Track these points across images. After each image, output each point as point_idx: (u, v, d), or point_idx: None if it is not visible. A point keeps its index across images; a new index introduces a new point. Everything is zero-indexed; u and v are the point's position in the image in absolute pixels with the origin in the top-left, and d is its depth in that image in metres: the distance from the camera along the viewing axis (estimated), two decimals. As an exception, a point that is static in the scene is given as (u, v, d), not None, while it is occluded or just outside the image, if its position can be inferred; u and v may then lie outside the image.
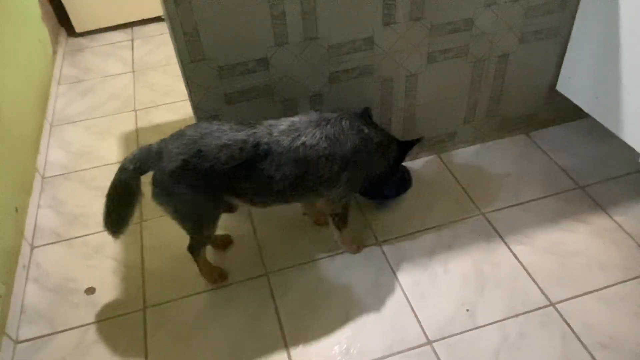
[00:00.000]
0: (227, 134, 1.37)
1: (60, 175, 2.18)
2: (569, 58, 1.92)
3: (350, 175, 1.48)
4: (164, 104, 2.55)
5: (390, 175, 1.66)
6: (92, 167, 2.20)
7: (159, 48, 3.00)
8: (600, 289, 1.59)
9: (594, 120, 1.87)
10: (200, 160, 1.35)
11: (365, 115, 1.59)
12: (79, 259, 1.82)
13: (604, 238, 1.74)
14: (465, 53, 1.82)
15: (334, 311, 1.59)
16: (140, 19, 3.21)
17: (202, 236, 1.57)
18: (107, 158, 2.25)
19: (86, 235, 1.90)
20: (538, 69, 1.97)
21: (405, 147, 1.63)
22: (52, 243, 1.89)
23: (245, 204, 1.51)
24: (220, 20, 1.49)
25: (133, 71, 2.83)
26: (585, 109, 1.90)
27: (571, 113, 2.10)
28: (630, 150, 1.72)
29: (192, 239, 1.57)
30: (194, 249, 1.60)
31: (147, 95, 2.63)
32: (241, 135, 1.37)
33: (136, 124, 2.44)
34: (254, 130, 1.39)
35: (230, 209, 1.60)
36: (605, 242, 1.72)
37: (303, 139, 1.40)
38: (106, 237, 1.85)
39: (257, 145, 1.37)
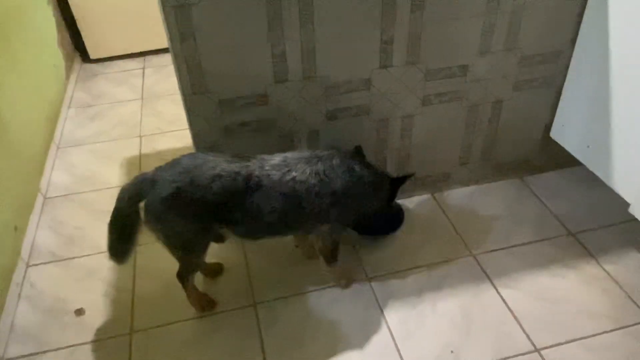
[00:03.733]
0: (221, 165, 1.42)
1: (62, 196, 2.23)
2: (562, 107, 1.97)
3: (339, 212, 1.51)
4: (168, 132, 2.62)
5: (382, 212, 1.69)
6: (94, 190, 2.25)
7: (168, 78, 3.10)
8: (587, 337, 1.59)
9: (586, 167, 1.90)
10: (192, 189, 1.39)
11: (357, 154, 1.64)
12: (72, 280, 1.85)
13: (593, 286, 1.74)
14: (460, 97, 1.87)
15: (319, 346, 1.60)
16: (153, 49, 3.32)
17: (190, 264, 1.59)
18: (109, 182, 2.30)
19: (81, 256, 1.94)
20: (532, 116, 2.01)
21: (397, 184, 1.66)
22: (47, 262, 1.92)
23: (235, 236, 1.54)
24: (222, 57, 1.56)
25: (142, 98, 2.92)
26: (578, 157, 1.93)
27: (565, 160, 2.13)
28: (622, 199, 1.74)
29: (181, 266, 1.60)
30: (183, 276, 1.62)
31: (153, 123, 2.70)
32: (234, 167, 1.42)
33: (140, 149, 2.50)
34: (247, 164, 1.44)
35: (220, 239, 1.63)
36: (594, 290, 1.73)
37: (293, 174, 1.44)
38: (101, 259, 1.91)
39: (248, 177, 1.42)
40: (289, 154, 1.50)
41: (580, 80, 1.84)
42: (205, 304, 1.69)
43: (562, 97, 1.95)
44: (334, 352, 1.58)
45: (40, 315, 1.73)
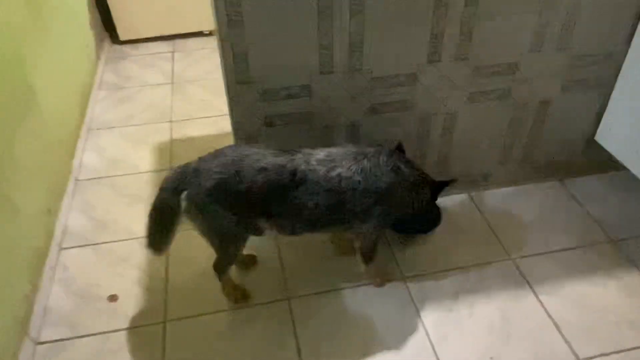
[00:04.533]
0: (266, 157, 1.38)
1: (93, 179, 2.22)
2: (610, 110, 1.90)
3: (382, 211, 1.47)
4: (199, 118, 2.59)
5: (421, 213, 1.65)
6: (124, 174, 2.24)
7: (198, 63, 3.06)
8: (628, 350, 1.54)
9: (631, 173, 1.84)
10: (237, 181, 1.36)
11: (399, 150, 1.60)
12: (104, 265, 1.84)
13: (635, 297, 1.69)
14: (506, 96, 1.81)
15: (354, 345, 1.57)
16: (182, 32, 3.29)
17: (229, 256, 1.57)
18: (139, 166, 2.28)
19: (114, 242, 1.92)
20: (577, 117, 1.95)
21: (438, 188, 1.62)
22: (79, 246, 1.91)
23: (275, 230, 1.51)
24: (270, 46, 1.52)
25: (172, 83, 2.89)
26: (625, 162, 1.87)
27: (607, 164, 2.07)
28: (669, 209, 1.68)
29: (218, 257, 1.58)
30: (220, 267, 1.60)
31: (183, 108, 2.67)
32: (279, 160, 1.39)
33: (171, 135, 2.48)
34: (292, 157, 1.40)
35: (259, 231, 1.60)
36: (636, 301, 1.68)
37: (339, 170, 1.41)
38: (133, 245, 1.90)
39: (294, 171, 1.38)
40: (333, 149, 1.47)
41: (634, 83, 1.78)
42: (239, 296, 1.68)
43: (611, 100, 1.89)
44: (370, 351, 1.55)
45: (74, 300, 1.72)
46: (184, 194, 1.40)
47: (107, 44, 3.22)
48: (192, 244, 1.83)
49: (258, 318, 1.65)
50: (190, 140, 2.45)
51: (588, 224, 1.96)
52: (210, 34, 3.33)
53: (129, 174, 2.24)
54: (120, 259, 1.86)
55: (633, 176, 1.83)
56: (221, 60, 1.54)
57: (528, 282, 1.75)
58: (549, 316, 1.64)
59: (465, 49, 1.66)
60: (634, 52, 1.76)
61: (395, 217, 1.54)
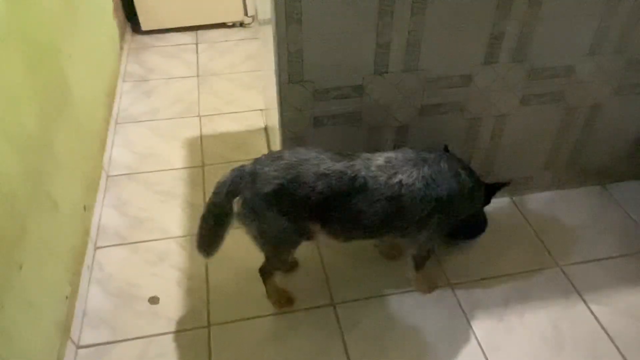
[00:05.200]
0: (325, 162, 1.33)
1: (124, 175, 2.17)
2: (662, 115, 1.85)
3: (441, 219, 1.43)
4: (228, 113, 2.53)
5: (473, 218, 1.61)
6: (157, 170, 2.18)
7: (224, 55, 3.00)
8: (687, 364, 1.51)
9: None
10: (297, 186, 1.31)
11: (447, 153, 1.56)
12: (142, 265, 1.79)
13: (689, 308, 1.66)
14: (559, 99, 1.76)
15: (405, 353, 1.54)
16: (205, 23, 3.22)
17: (279, 261, 1.53)
18: (172, 162, 2.23)
19: (150, 240, 1.88)
20: (627, 122, 1.90)
21: (492, 191, 1.58)
22: (115, 245, 1.86)
23: (329, 236, 1.46)
24: (326, 45, 1.46)
25: (197, 76, 2.82)
26: (676, 169, 1.83)
27: (652, 170, 2.04)
28: None
29: (268, 261, 1.53)
30: (267, 271, 1.56)
31: (211, 102, 2.61)
32: (339, 166, 1.34)
33: (200, 130, 2.42)
34: (352, 163, 1.35)
35: (310, 236, 1.56)
36: (690, 312, 1.65)
37: (400, 177, 1.36)
38: (170, 244, 1.86)
39: (354, 178, 1.33)
40: (392, 154, 1.42)
41: (691, 88, 1.73)
42: (284, 301, 1.64)
43: (663, 105, 1.84)
44: (422, 361, 1.52)
45: (113, 301, 1.68)
46: (238, 198, 1.35)
47: (128, 34, 3.14)
48: (230, 244, 1.79)
49: (303, 323, 1.61)
50: (221, 136, 2.39)
51: (632, 231, 1.92)
52: (233, 25, 3.26)
53: (161, 170, 2.19)
54: (158, 259, 1.81)
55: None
56: (275, 59, 1.48)
57: (577, 291, 1.71)
58: (602, 326, 1.61)
59: (523, 51, 1.61)
60: (692, 56, 1.71)
61: (453, 224, 1.50)
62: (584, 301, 1.68)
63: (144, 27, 3.13)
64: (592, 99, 1.79)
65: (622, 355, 1.53)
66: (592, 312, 1.65)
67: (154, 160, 2.24)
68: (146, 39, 3.15)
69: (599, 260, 1.81)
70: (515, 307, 1.66)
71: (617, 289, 1.71)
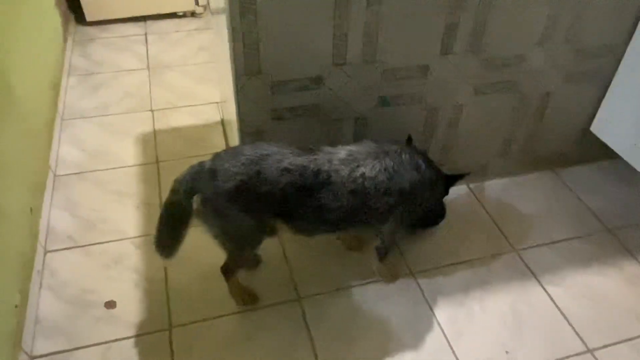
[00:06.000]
0: (287, 157, 1.31)
1: (74, 174, 2.06)
2: (608, 102, 1.93)
3: (404, 210, 1.44)
4: (182, 107, 2.46)
5: (433, 208, 1.63)
6: (109, 169, 2.09)
7: (175, 47, 2.90)
8: (636, 338, 1.59)
9: (623, 162, 1.89)
10: (259, 182, 1.28)
11: (409, 144, 1.57)
12: (97, 269, 1.71)
13: (635, 285, 1.74)
14: (512, 88, 1.80)
15: (371, 343, 1.54)
16: (154, 13, 3.10)
17: (241, 258, 1.50)
18: (124, 159, 2.14)
19: (105, 242, 1.80)
20: (576, 109, 1.97)
21: (452, 182, 1.60)
22: (67, 248, 1.77)
23: (292, 231, 1.44)
24: (282, 35, 1.43)
25: (148, 68, 2.72)
26: (621, 153, 1.91)
27: (599, 154, 2.12)
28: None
29: (230, 260, 1.50)
30: (229, 270, 1.53)
31: (164, 96, 2.52)
32: (302, 160, 1.32)
33: (153, 125, 2.34)
34: (315, 157, 1.33)
35: (272, 232, 1.53)
36: (637, 289, 1.73)
37: (362, 169, 1.35)
38: (127, 246, 1.79)
39: (317, 172, 1.32)
40: (354, 147, 1.41)
41: (634, 76, 1.80)
42: (247, 298, 1.61)
43: (609, 92, 1.92)
44: (387, 351, 1.53)
45: (67, 307, 1.60)
46: (197, 196, 1.31)
47: (72, 25, 2.99)
48: (190, 243, 1.74)
49: (269, 320, 1.59)
50: (176, 130, 2.32)
51: (584, 213, 2.00)
52: (184, 15, 3.16)
53: (113, 168, 2.10)
54: (113, 262, 1.74)
55: (624, 165, 1.89)
56: (230, 52, 1.43)
57: (533, 274, 1.77)
58: (557, 307, 1.67)
59: (477, 40, 1.63)
60: (634, 46, 1.79)
61: (416, 214, 1.51)
62: (540, 284, 1.74)
63: (88, 18, 2.98)
64: (543, 88, 1.85)
65: (578, 334, 1.60)
66: (548, 294, 1.70)
67: (104, 158, 2.15)
68: (91, 30, 3.01)
69: (553, 243, 1.88)
70: (476, 292, 1.70)
71: (571, 270, 1.78)
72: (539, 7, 1.61)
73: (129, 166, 2.11)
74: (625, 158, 1.89)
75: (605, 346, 1.57)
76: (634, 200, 2.04)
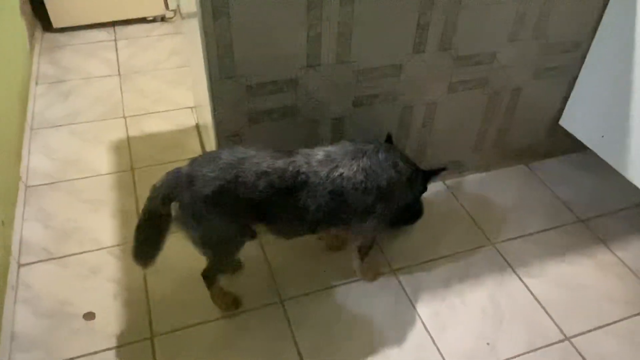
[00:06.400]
0: (266, 160, 1.31)
1: (46, 184, 2.02)
2: (575, 96, 1.99)
3: (383, 208, 1.45)
4: (155, 112, 2.43)
5: (411, 205, 1.65)
6: (82, 178, 2.05)
7: (146, 51, 2.86)
8: (611, 324, 1.64)
9: (592, 154, 1.95)
10: (238, 186, 1.28)
11: (389, 142, 1.58)
12: (74, 280, 1.68)
13: (609, 272, 1.80)
14: (483, 85, 1.84)
15: (355, 342, 1.55)
16: (123, 18, 3.06)
17: (223, 264, 1.49)
18: (97, 168, 2.10)
19: (81, 253, 1.76)
20: (545, 103, 2.02)
21: (428, 177, 1.62)
22: (42, 261, 1.73)
23: (272, 234, 1.44)
24: (256, 38, 1.43)
25: (119, 74, 2.68)
26: (590, 145, 1.96)
27: (569, 146, 2.18)
28: (629, 185, 1.79)
29: (211, 265, 1.49)
30: (211, 275, 1.51)
31: (136, 102, 2.49)
32: (280, 163, 1.32)
33: (127, 131, 2.30)
34: (293, 159, 1.34)
35: (252, 236, 1.53)
36: (610, 276, 1.79)
37: (341, 170, 1.36)
38: (104, 256, 1.76)
39: (296, 174, 1.32)
40: (331, 148, 1.41)
41: (599, 70, 1.86)
42: (230, 303, 1.60)
43: (576, 86, 1.97)
44: (372, 349, 1.54)
45: (44, 321, 1.56)
46: (175, 202, 1.30)
47: (39, 32, 2.92)
48: (169, 250, 1.72)
49: (252, 324, 1.59)
50: (150, 137, 2.29)
51: (557, 205, 2.05)
52: (154, 20, 3.12)
53: (86, 177, 2.06)
54: (91, 272, 1.71)
55: (593, 157, 1.95)
56: (204, 55, 1.42)
57: (511, 266, 1.81)
58: (535, 297, 1.71)
59: (448, 39, 1.65)
60: (599, 41, 1.84)
61: (394, 212, 1.52)
62: (518, 275, 1.77)
63: (55, 25, 2.92)
64: (513, 83, 1.89)
65: (555, 323, 1.64)
66: (525, 285, 1.74)
67: (77, 166, 2.10)
68: (59, 37, 2.95)
69: (528, 235, 1.92)
70: (456, 286, 1.73)
71: (546, 261, 1.83)
72: (507, 5, 1.65)
73: (103, 174, 2.07)
74: (593, 149, 1.95)
75: (582, 333, 1.61)
76: (603, 190, 2.10)
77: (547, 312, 1.66)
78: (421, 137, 1.91)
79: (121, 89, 2.56)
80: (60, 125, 2.32)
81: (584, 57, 1.90)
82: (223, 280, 1.62)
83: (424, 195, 1.79)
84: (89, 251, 1.77)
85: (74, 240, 1.80)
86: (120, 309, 1.60)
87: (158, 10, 3.06)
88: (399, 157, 1.47)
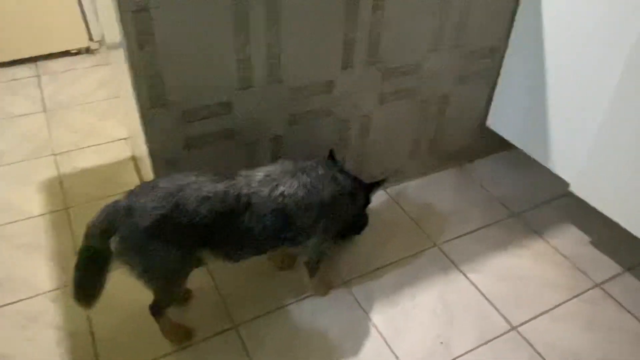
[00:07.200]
0: (206, 185, 1.30)
1: (-29, 233, 1.89)
2: (497, 98, 2.11)
3: (327, 224, 1.47)
4: (88, 147, 2.34)
5: (357, 218, 1.69)
6: (12, 222, 1.94)
7: (72, 85, 2.77)
8: (552, 309, 1.73)
9: (519, 151, 2.08)
10: (178, 214, 1.26)
11: (331, 158, 1.61)
12: (12, 331, 1.58)
13: (545, 261, 1.90)
14: (412, 94, 1.92)
15: (314, 359, 1.55)
16: (45, 53, 2.94)
17: (170, 295, 1.45)
18: (28, 210, 2.00)
19: (16, 302, 1.66)
20: (471, 107, 2.13)
21: (371, 190, 1.66)
22: (-27, 315, 1.62)
23: (218, 259, 1.42)
24: (185, 64, 1.42)
25: (44, 111, 2.57)
26: (515, 143, 2.09)
27: (497, 146, 2.30)
28: (555, 176, 1.92)
29: (158, 298, 1.44)
30: (160, 308, 1.47)
31: (66, 137, 2.39)
32: (221, 186, 1.31)
33: (57, 169, 2.21)
34: (233, 182, 1.33)
35: (199, 263, 1.50)
36: (547, 264, 1.89)
37: (281, 188, 1.37)
38: (41, 302, 1.68)
39: (238, 196, 1.32)
40: (271, 167, 1.42)
41: (516, 72, 1.99)
42: (182, 335, 1.55)
43: (497, 89, 2.09)
44: (330, 363, 1.54)
45: (-20, 380, 1.46)
46: (115, 237, 1.26)
47: (-49, 72, 2.76)
48: (112, 287, 1.66)
49: (208, 354, 1.55)
50: (83, 172, 2.20)
51: (491, 202, 2.15)
52: (78, 52, 3.03)
53: (16, 221, 1.95)
54: (29, 321, 1.61)
55: (520, 154, 2.07)
56: (132, 85, 1.40)
57: (455, 265, 1.87)
58: (480, 292, 1.78)
59: (374, 53, 1.72)
60: (512, 46, 1.97)
61: (339, 226, 1.54)
62: (463, 272, 1.84)
63: (-31, 64, 2.78)
64: (440, 91, 1.98)
65: (501, 314, 1.71)
66: (470, 281, 1.81)
67: (6, 211, 1.99)
68: (-26, 76, 2.80)
69: (468, 233, 2.00)
70: (406, 290, 1.77)
71: (487, 256, 1.91)
72: (425, 18, 1.73)
73: (35, 216, 1.97)
74: (519, 146, 2.07)
75: (527, 321, 1.69)
76: (533, 184, 2.23)
77: (493, 305, 1.74)
78: (360, 149, 1.96)
79: (48, 126, 2.46)
80: (-17, 169, 2.19)
81: (501, 61, 2.03)
82: (172, 312, 1.58)
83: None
84: (25, 299, 1.67)
85: (8, 289, 1.70)
86: (65, 357, 1.52)
87: (82, 42, 2.98)
88: (338, 171, 1.50)
